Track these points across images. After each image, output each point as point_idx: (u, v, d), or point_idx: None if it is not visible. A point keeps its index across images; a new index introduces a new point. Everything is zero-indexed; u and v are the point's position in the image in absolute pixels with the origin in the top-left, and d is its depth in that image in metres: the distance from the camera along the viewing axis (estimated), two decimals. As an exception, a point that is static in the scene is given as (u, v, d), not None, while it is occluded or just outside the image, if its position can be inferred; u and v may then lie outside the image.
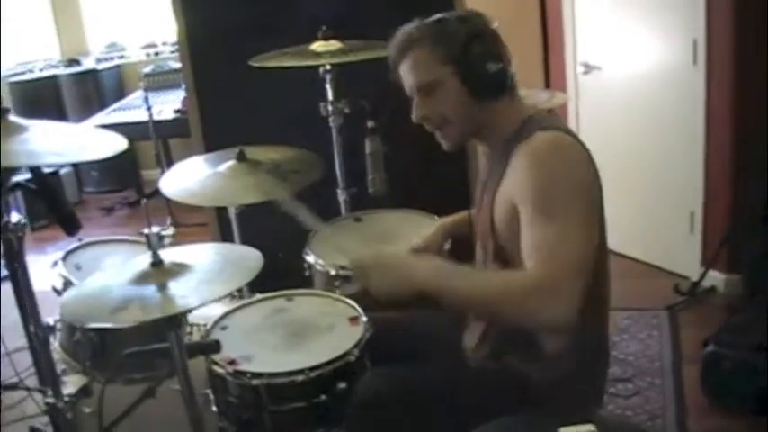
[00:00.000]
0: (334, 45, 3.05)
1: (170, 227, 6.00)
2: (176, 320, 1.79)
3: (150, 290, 1.79)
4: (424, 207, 3.01)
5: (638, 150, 4.51)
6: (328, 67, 3.05)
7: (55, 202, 2.11)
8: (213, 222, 3.97)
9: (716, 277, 4.21)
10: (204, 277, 1.84)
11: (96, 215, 7.13)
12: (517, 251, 1.84)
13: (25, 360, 2.86)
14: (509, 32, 4.55)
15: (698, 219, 4.28)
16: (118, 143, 1.92)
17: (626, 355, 3.69)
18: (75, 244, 2.85)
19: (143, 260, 1.88)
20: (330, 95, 3.12)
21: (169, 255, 1.93)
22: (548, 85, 5.00)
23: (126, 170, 7.45)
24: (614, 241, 4.51)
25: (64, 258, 2.73)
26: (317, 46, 3.06)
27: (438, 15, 1.99)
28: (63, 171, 7.14)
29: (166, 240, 2.49)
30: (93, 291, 1.90)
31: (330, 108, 3.13)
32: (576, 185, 1.80)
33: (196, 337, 2.41)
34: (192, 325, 2.47)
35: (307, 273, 2.78)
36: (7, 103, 7.54)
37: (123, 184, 7.47)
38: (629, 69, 4.46)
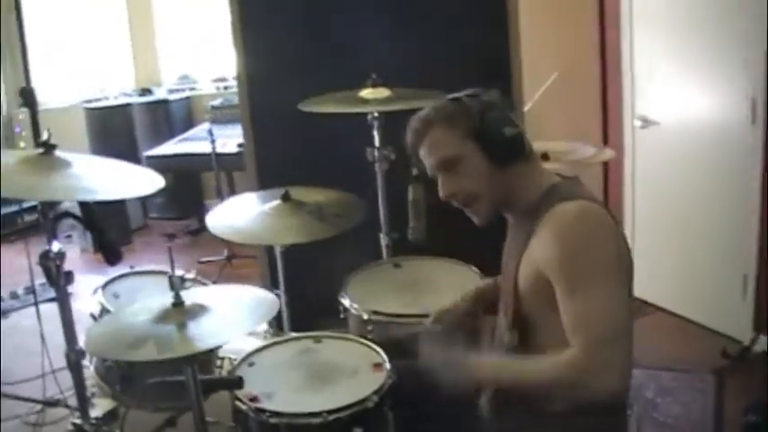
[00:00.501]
0: (382, 92, 3.12)
1: (224, 255, 6.17)
2: (192, 357, 1.85)
3: (168, 329, 1.86)
4: (464, 257, 3.03)
5: (692, 208, 4.46)
6: (376, 114, 3.12)
7: (98, 233, 2.20)
8: (262, 256, 4.05)
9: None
10: (221, 320, 1.90)
11: (158, 241, 7.31)
12: (540, 319, 1.93)
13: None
14: (568, 85, 4.61)
15: (751, 282, 4.20)
16: (156, 182, 2.00)
17: (666, 417, 3.62)
18: (118, 272, 2.94)
19: (166, 299, 1.95)
20: (377, 141, 3.19)
21: (191, 296, 1.99)
22: (605, 139, 4.99)
23: (189, 199, 7.66)
24: (664, 298, 4.58)
25: (104, 286, 2.83)
26: (367, 93, 3.13)
27: (448, 96, 2.08)
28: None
29: (187, 283, 2.54)
30: (117, 325, 1.98)
31: (376, 154, 3.20)
32: (604, 254, 1.84)
33: (226, 370, 2.47)
34: (222, 358, 2.53)
35: (342, 315, 2.83)
36: (82, 127, 7.82)
37: (186, 212, 7.65)
38: (686, 125, 4.43)
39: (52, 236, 2.03)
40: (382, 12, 3.58)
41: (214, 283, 5.36)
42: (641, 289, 4.81)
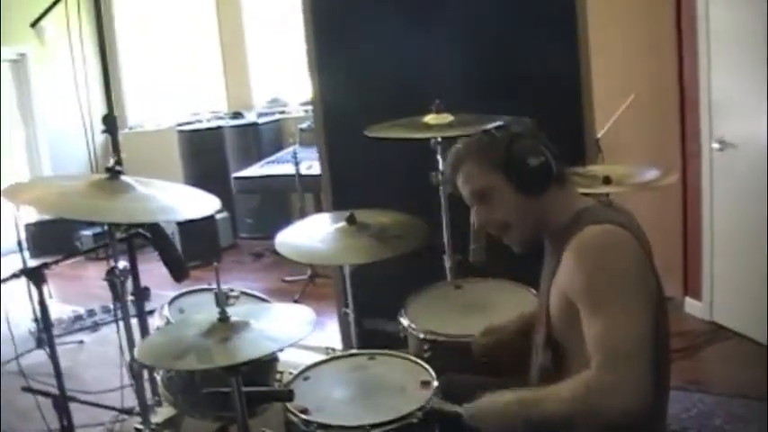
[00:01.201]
0: (445, 118, 3.20)
1: (308, 274, 6.32)
2: (235, 369, 1.97)
3: (211, 342, 1.99)
4: (524, 279, 3.07)
5: (770, 232, 4.39)
6: (439, 139, 3.21)
7: (165, 251, 2.36)
8: (337, 276, 4.16)
9: None
10: (261, 335, 2.02)
11: (247, 259, 7.55)
12: (569, 343, 1.98)
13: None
14: (645, 108, 4.57)
15: (830, 308, 4.11)
16: (211, 204, 2.13)
17: (735, 444, 3.58)
18: (184, 289, 3.09)
19: (215, 315, 2.09)
20: (440, 165, 3.27)
21: (238, 312, 2.12)
22: (683, 161, 4.94)
23: (277, 219, 7.83)
24: (743, 324, 4.50)
25: (171, 302, 2.98)
26: (430, 119, 3.22)
27: (481, 131, 2.18)
28: (219, 216, 7.60)
29: (231, 301, 2.67)
30: (168, 337, 2.12)
31: (440, 178, 3.28)
32: (624, 276, 1.88)
33: (284, 383, 2.59)
34: (281, 372, 2.65)
35: (402, 334, 2.91)
36: (175, 150, 8.12)
37: (274, 231, 7.78)
38: (765, 147, 4.36)
39: (117, 254, 2.18)
40: (451, 38, 3.67)
41: (295, 301, 5.55)
42: (720, 314, 4.77)
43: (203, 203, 2.25)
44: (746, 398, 3.93)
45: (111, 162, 2.18)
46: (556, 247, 2.08)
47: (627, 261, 1.91)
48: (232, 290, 2.21)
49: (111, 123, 2.82)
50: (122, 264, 2.18)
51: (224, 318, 2.07)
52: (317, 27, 3.90)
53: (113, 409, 3.81)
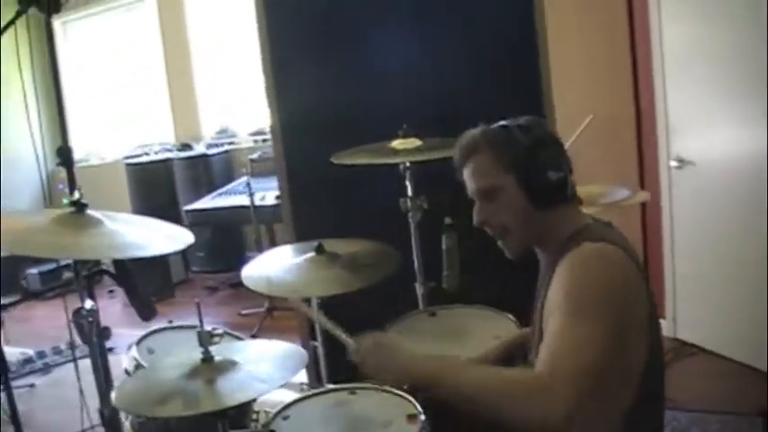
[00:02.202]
0: (413, 143, 3.14)
1: (265, 307, 6.20)
2: (220, 413, 1.86)
3: (197, 385, 1.87)
4: (500, 304, 3.01)
5: (733, 248, 4.40)
6: (407, 164, 3.14)
7: (132, 289, 2.24)
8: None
9: (817, 384, 4.02)
10: (249, 375, 1.91)
11: (201, 294, 7.38)
12: None
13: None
14: (603, 126, 4.60)
15: (797, 321, 4.12)
16: (185, 238, 2.03)
17: (713, 462, 3.55)
18: (153, 327, 2.97)
19: (196, 355, 1.97)
20: (409, 191, 3.20)
21: (222, 351, 2.00)
22: (641, 180, 4.96)
23: (231, 252, 7.73)
24: (708, 339, 4.50)
25: (138, 342, 2.85)
26: (397, 144, 3.15)
27: (502, 122, 2.04)
28: (170, 251, 7.44)
29: (216, 339, 2.56)
30: (147, 381, 2.00)
31: (409, 204, 3.21)
32: (606, 295, 1.78)
33: (261, 423, 2.47)
34: (257, 412, 2.54)
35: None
36: (123, 183, 7.96)
37: (228, 264, 7.70)
38: (723, 164, 4.39)
39: (86, 293, 2.07)
40: (412, 64, 3.61)
41: (253, 336, 5.43)
42: (684, 330, 4.79)
43: (175, 237, 2.14)
44: (719, 413, 3.93)
45: (76, 195, 2.06)
46: (551, 262, 1.99)
47: (616, 281, 1.83)
48: (215, 329, 2.10)
49: (65, 155, 2.70)
50: (88, 303, 2.06)
51: (208, 358, 1.94)
52: (274, 54, 3.81)
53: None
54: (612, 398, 1.77)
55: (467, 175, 2.07)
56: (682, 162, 4.63)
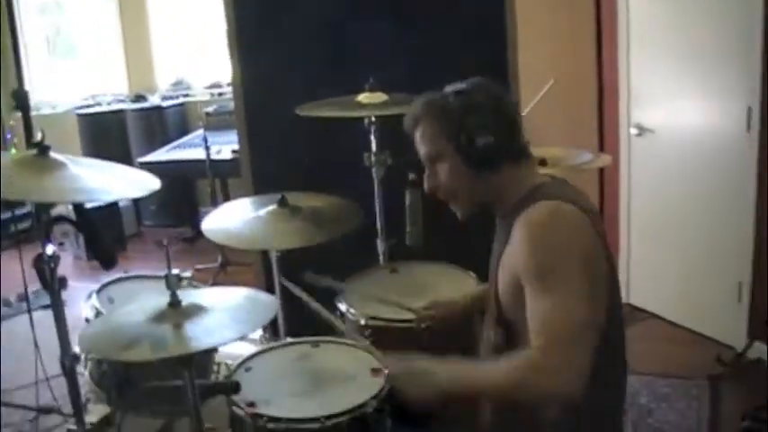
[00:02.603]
0: (379, 97, 3.11)
1: (218, 262, 6.15)
2: (189, 360, 1.83)
3: (164, 329, 1.83)
4: (462, 262, 3.01)
5: (687, 215, 4.47)
6: (373, 119, 3.11)
7: (93, 237, 2.19)
8: (258, 263, 4.03)
9: (762, 349, 4.11)
10: (218, 321, 1.88)
11: (152, 248, 7.27)
12: (519, 321, 1.90)
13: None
14: (564, 92, 4.61)
15: (746, 288, 4.20)
16: (151, 184, 1.98)
17: (662, 423, 3.62)
18: (113, 277, 2.92)
19: (163, 300, 1.93)
20: (374, 146, 3.17)
21: (188, 296, 1.97)
22: (601, 146, 4.99)
23: (184, 206, 7.64)
24: (659, 305, 4.59)
25: (99, 291, 2.80)
26: (363, 97, 3.12)
27: (445, 88, 2.08)
28: (122, 203, 7.34)
29: (183, 282, 2.53)
30: (112, 326, 1.95)
31: (373, 159, 3.18)
32: (572, 255, 1.83)
33: (223, 375, 2.45)
34: (218, 363, 2.51)
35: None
36: (75, 134, 7.79)
37: (180, 219, 7.62)
38: (682, 133, 4.44)
39: (47, 239, 2.01)
40: (379, 17, 3.56)
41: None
42: (636, 295, 4.86)
43: (140, 183, 2.08)
44: (668, 377, 4.01)
45: (39, 136, 2.00)
46: (506, 222, 2.02)
47: (575, 240, 1.86)
48: (181, 273, 2.06)
49: (22, 99, 2.63)
50: (51, 250, 2.00)
51: (175, 302, 1.91)
52: (238, 4, 3.73)
53: (30, 408, 3.57)
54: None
55: (416, 141, 2.12)
56: (641, 130, 4.67)
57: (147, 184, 2.08)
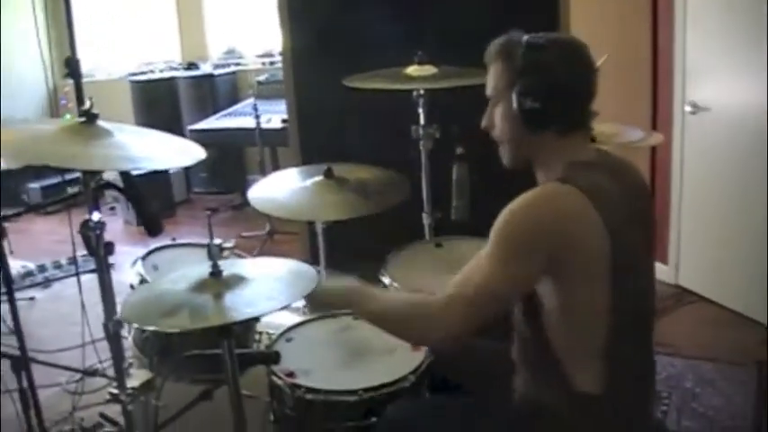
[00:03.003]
0: (428, 70, 3.08)
1: (266, 230, 6.19)
2: (228, 330, 1.84)
3: (204, 299, 1.84)
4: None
5: (740, 197, 4.37)
6: (421, 92, 3.09)
7: (139, 204, 2.20)
8: (304, 233, 4.05)
9: (814, 336, 4.02)
10: (258, 292, 1.88)
11: (201, 214, 7.34)
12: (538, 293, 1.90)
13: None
14: (618, 66, 4.53)
15: (796, 272, 4.10)
16: (197, 153, 1.99)
17: (707, 408, 3.55)
18: (158, 244, 2.94)
19: (205, 269, 1.94)
20: (422, 119, 3.15)
21: (230, 266, 1.97)
22: (654, 123, 4.90)
23: (233, 174, 7.69)
24: (708, 287, 4.51)
25: (144, 258, 2.83)
26: (412, 70, 3.09)
27: (530, 36, 1.99)
28: (173, 170, 7.42)
29: (225, 252, 2.53)
30: (154, 293, 1.97)
31: (421, 132, 3.16)
32: (528, 233, 1.83)
33: (264, 345, 2.47)
34: (260, 333, 2.53)
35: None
36: (128, 100, 7.87)
37: (230, 186, 7.67)
38: (738, 112, 4.33)
39: (93, 206, 2.03)
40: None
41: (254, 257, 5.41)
42: (686, 277, 4.77)
43: (186, 152, 2.09)
44: (715, 361, 3.93)
45: (87, 104, 2.01)
46: None
47: (549, 221, 1.83)
48: (223, 242, 2.07)
49: (74, 66, 2.64)
50: (97, 216, 2.02)
51: (216, 272, 1.92)
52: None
53: (77, 370, 3.64)
54: (579, 328, 1.86)
55: (488, 77, 2.08)
56: (696, 107, 4.56)
57: (193, 153, 2.09)
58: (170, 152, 2.12)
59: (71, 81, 2.60)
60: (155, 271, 2.75)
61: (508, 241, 1.83)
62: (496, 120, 2.04)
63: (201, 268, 1.95)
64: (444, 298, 1.85)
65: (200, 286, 1.89)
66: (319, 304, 2.14)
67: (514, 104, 1.94)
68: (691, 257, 4.80)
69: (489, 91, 2.06)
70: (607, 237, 1.83)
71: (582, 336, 1.87)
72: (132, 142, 2.02)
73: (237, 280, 1.91)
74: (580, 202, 1.83)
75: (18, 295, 5.11)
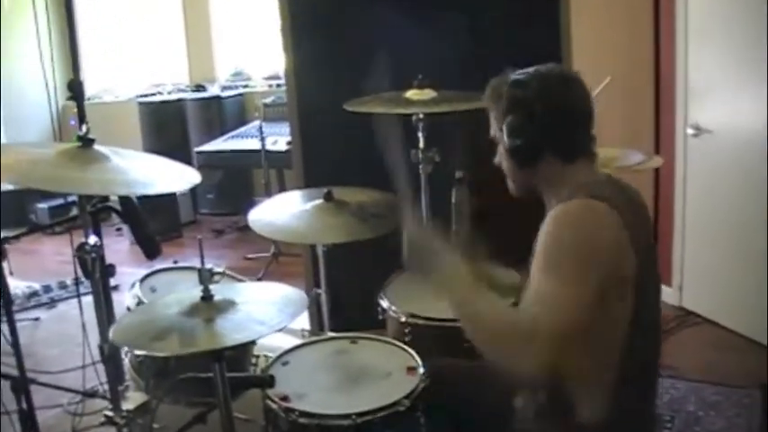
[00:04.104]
0: (427, 94, 3.10)
1: (271, 252, 6.20)
2: (218, 354, 1.85)
3: (195, 323, 1.85)
4: (507, 261, 2.99)
5: (743, 219, 4.35)
6: (421, 116, 3.10)
7: (136, 227, 2.22)
8: (307, 255, 4.05)
9: (818, 359, 4.00)
10: (249, 316, 1.89)
11: (207, 236, 7.36)
12: None
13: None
14: (621, 89, 4.54)
15: (803, 295, 4.08)
16: (191, 177, 2.00)
17: (709, 432, 3.54)
18: (159, 266, 2.96)
19: (197, 293, 1.95)
20: (421, 143, 3.16)
21: (222, 291, 1.99)
22: (657, 146, 4.90)
23: (239, 195, 7.71)
24: (711, 309, 4.49)
25: (142, 280, 2.85)
26: (412, 94, 3.11)
27: (512, 74, 2.05)
28: (179, 192, 7.45)
29: (216, 277, 2.55)
30: (146, 317, 1.99)
31: (420, 155, 3.17)
32: (583, 251, 1.80)
33: (260, 368, 2.47)
34: (257, 356, 2.54)
35: (380, 316, 2.81)
36: (136, 122, 7.93)
37: (236, 208, 7.68)
38: (740, 134, 4.32)
39: (90, 229, 2.05)
40: (431, 12, 3.55)
41: (259, 280, 5.42)
42: (689, 299, 4.76)
43: (182, 176, 2.12)
44: (719, 385, 3.90)
45: (84, 129, 2.04)
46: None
47: (595, 237, 1.83)
48: (215, 268, 2.08)
49: (77, 89, 2.68)
50: (93, 239, 2.04)
51: (207, 296, 1.93)
52: (292, -1, 3.75)
53: (75, 392, 3.66)
54: (598, 352, 1.83)
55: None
56: (699, 130, 4.56)
57: (189, 177, 2.10)
58: (166, 176, 2.14)
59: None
60: (152, 293, 2.77)
61: (571, 258, 1.80)
62: (499, 159, 2.12)
63: (194, 292, 1.96)
64: (527, 325, 1.74)
65: (191, 310, 1.91)
66: (420, 258, 1.97)
67: (505, 144, 2.02)
68: (694, 279, 4.79)
69: (491, 133, 2.12)
70: (633, 255, 1.85)
71: (597, 358, 1.86)
72: (129, 166, 2.04)
73: (228, 304, 1.92)
74: (611, 217, 1.85)
75: (23, 315, 5.21)
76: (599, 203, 1.86)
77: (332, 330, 3.07)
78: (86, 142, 2.00)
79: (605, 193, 1.91)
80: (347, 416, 2.02)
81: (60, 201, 7.35)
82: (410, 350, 2.37)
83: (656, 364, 2.04)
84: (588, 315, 1.76)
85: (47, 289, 5.82)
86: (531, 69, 2.03)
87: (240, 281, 2.93)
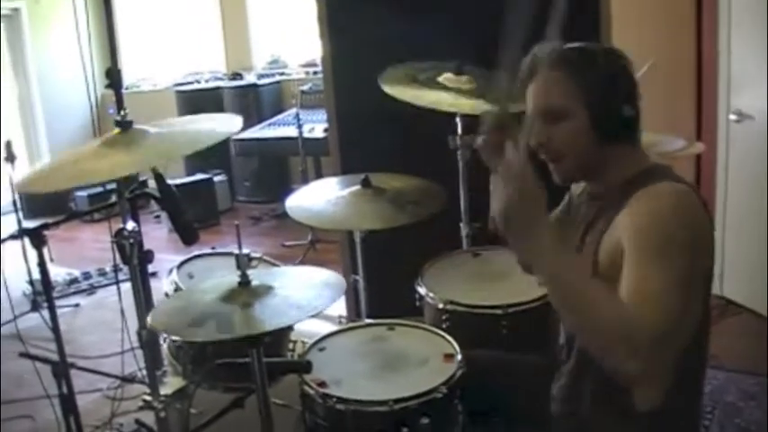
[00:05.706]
0: (464, 81, 3.06)
1: (308, 239, 6.21)
2: (255, 340, 1.85)
3: (232, 308, 1.85)
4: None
5: (786, 208, 4.28)
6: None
7: (173, 213, 2.22)
8: (344, 242, 4.05)
9: None
10: (286, 301, 1.89)
11: (244, 224, 7.38)
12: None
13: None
14: (662, 74, 4.46)
15: None
16: (233, 123, 1.98)
17: (749, 423, 3.47)
18: (196, 252, 2.97)
19: (234, 279, 1.95)
20: (459, 129, 3.13)
21: (260, 276, 1.98)
22: (698, 132, 4.83)
23: (277, 183, 7.74)
24: (752, 298, 4.40)
25: (179, 266, 2.86)
26: (444, 79, 3.08)
27: (583, 44, 1.88)
28: (217, 179, 7.50)
29: (254, 262, 2.55)
30: (184, 303, 1.99)
31: (459, 142, 3.15)
32: (689, 246, 1.68)
33: (298, 353, 2.48)
34: (294, 341, 2.53)
35: (418, 303, 2.80)
36: (173, 110, 7.97)
37: (273, 195, 7.71)
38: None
39: (129, 215, 2.06)
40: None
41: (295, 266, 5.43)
42: (730, 288, 4.68)
43: (222, 124, 2.11)
44: (760, 375, 3.84)
45: (121, 115, 2.04)
46: (616, 197, 1.84)
47: (688, 225, 1.71)
48: (252, 253, 2.08)
49: (114, 77, 2.69)
50: (130, 224, 2.05)
51: (245, 282, 1.93)
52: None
53: (115, 377, 3.70)
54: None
55: (534, 89, 1.88)
56: (741, 116, 4.48)
57: (230, 124, 2.09)
58: (204, 130, 2.13)
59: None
60: (190, 280, 2.78)
61: (678, 251, 1.65)
62: (559, 136, 1.86)
63: (232, 278, 1.96)
64: (646, 316, 1.57)
65: (228, 296, 1.91)
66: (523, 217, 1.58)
67: (589, 117, 1.82)
68: (735, 268, 4.71)
69: (546, 107, 1.86)
70: (712, 245, 1.80)
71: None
72: (169, 133, 2.04)
73: (266, 289, 1.91)
74: (701, 206, 1.77)
75: (63, 302, 5.27)
76: (691, 190, 1.79)
77: (369, 317, 3.07)
78: (124, 125, 2.00)
79: (681, 179, 1.83)
80: (384, 402, 2.01)
81: (99, 188, 7.43)
82: (448, 337, 2.36)
83: (708, 351, 1.99)
84: (682, 303, 1.64)
85: (86, 276, 5.89)
86: (591, 44, 1.89)
87: (277, 267, 2.93)
